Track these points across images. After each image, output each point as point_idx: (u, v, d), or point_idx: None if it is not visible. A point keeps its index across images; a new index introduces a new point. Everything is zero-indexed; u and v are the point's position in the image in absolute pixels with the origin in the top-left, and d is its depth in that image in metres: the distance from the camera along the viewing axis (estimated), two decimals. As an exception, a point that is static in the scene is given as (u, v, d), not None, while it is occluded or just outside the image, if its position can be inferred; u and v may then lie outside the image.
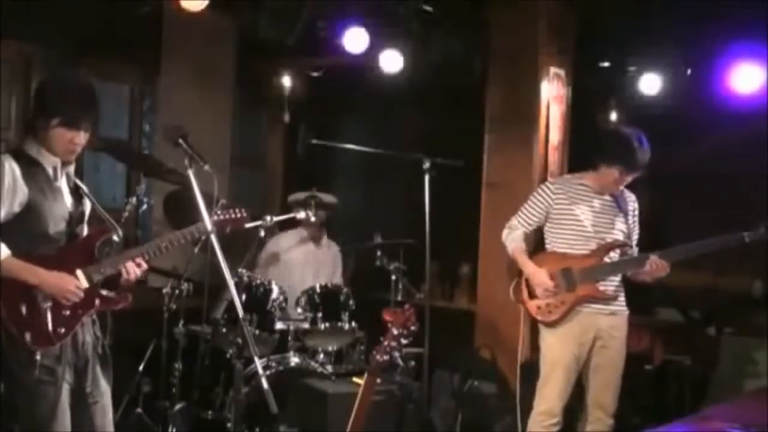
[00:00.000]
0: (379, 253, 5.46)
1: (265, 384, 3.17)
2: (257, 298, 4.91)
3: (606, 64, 6.15)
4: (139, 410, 4.98)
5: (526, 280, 4.37)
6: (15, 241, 3.11)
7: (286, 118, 6.79)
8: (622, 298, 4.36)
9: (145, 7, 5.23)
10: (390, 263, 5.46)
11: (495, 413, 5.30)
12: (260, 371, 3.24)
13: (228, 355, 4.77)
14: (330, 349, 5.13)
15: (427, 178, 4.77)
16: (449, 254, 6.38)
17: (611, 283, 4.30)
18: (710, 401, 5.44)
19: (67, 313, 3.19)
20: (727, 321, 5.98)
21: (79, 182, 3.41)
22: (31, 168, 3.18)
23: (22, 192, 3.13)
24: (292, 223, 5.61)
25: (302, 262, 5.69)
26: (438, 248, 4.84)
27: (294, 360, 4.87)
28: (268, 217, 4.99)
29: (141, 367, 5.11)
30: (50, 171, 3.23)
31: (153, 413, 4.98)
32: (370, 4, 5.57)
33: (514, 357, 4.64)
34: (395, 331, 3.57)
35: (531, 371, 4.52)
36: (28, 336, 3.10)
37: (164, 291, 4.97)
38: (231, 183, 6.57)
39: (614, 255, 4.30)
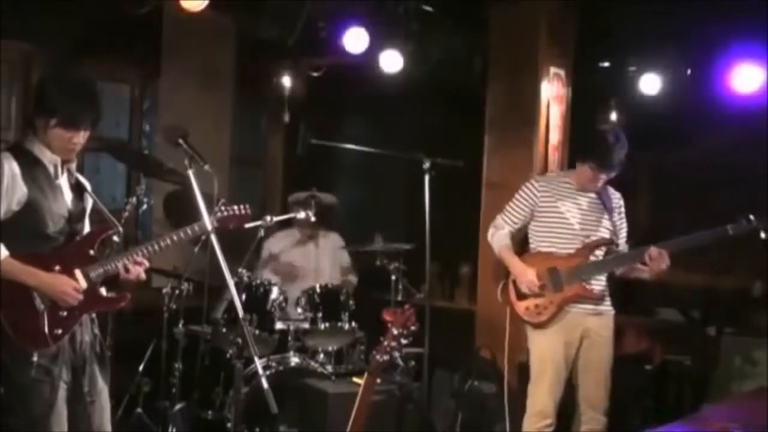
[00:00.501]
0: (379, 253, 5.46)
1: (265, 384, 3.17)
2: (257, 298, 4.91)
3: (606, 64, 6.15)
4: (139, 410, 4.98)
5: (514, 281, 4.36)
6: (15, 239, 3.10)
7: (286, 118, 6.78)
8: (607, 299, 4.34)
9: (145, 7, 5.22)
10: (390, 263, 5.46)
11: (495, 413, 5.30)
12: (260, 371, 3.25)
13: (228, 355, 4.77)
14: (330, 349, 5.13)
15: (427, 178, 4.77)
16: (449, 254, 6.38)
17: (598, 283, 4.28)
18: (710, 401, 5.44)
19: (65, 314, 3.18)
20: (727, 321, 5.99)
21: (80, 178, 3.40)
22: (31, 166, 3.18)
23: (21, 190, 3.12)
24: (290, 223, 5.61)
25: (302, 262, 5.70)
26: (438, 248, 4.84)
27: (294, 360, 4.88)
28: (268, 217, 5.00)
29: (141, 367, 5.11)
30: (51, 169, 3.23)
31: (153, 413, 4.98)
32: (370, 4, 5.57)
33: (514, 357, 4.64)
34: (395, 331, 3.57)
35: (525, 372, 4.51)
36: (24, 336, 3.10)
37: (164, 291, 4.98)
38: (231, 183, 6.57)
39: (599, 253, 4.28)
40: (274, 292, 4.98)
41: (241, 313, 3.30)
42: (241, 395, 3.73)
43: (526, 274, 4.26)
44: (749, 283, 6.11)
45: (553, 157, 5.65)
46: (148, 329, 5.09)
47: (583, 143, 4.31)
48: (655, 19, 5.40)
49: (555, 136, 5.68)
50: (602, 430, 4.27)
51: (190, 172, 3.33)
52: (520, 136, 5.58)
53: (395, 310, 3.67)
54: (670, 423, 3.39)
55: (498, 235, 4.45)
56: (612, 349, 4.33)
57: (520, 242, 4.56)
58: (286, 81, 6.74)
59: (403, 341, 3.62)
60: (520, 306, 4.32)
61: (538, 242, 4.37)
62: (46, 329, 3.13)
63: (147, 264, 3.36)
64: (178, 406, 4.88)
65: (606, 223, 4.30)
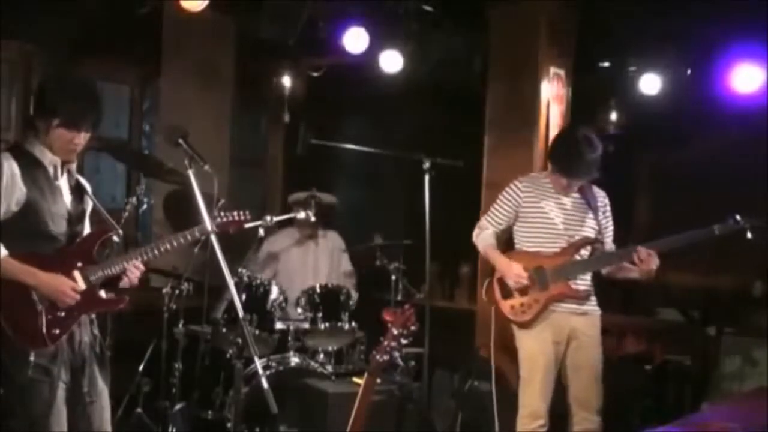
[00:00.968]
0: (379, 253, 5.46)
1: (265, 384, 3.17)
2: (257, 298, 4.91)
3: (606, 64, 6.15)
4: (139, 410, 4.98)
5: (499, 280, 4.35)
6: (15, 239, 3.11)
7: (286, 118, 6.78)
8: (593, 298, 4.32)
9: (145, 7, 5.22)
10: (390, 263, 5.46)
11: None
12: (260, 371, 3.24)
13: (228, 355, 4.77)
14: (330, 349, 5.13)
15: (427, 178, 4.77)
16: (449, 254, 6.37)
17: (583, 282, 4.27)
18: (710, 401, 5.45)
19: (63, 314, 3.18)
20: (727, 321, 5.98)
21: (81, 179, 3.40)
22: (30, 166, 3.18)
23: (20, 190, 3.12)
24: (290, 223, 5.61)
25: (302, 262, 5.69)
26: (438, 248, 4.84)
27: (294, 360, 4.88)
28: (268, 217, 4.99)
29: (141, 367, 5.11)
30: (50, 170, 3.23)
31: (153, 413, 4.98)
32: (370, 4, 5.57)
33: (514, 357, 4.64)
34: (395, 331, 3.58)
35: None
36: (22, 336, 3.10)
37: (164, 291, 4.97)
38: (231, 183, 6.57)
39: (585, 253, 4.27)
40: (274, 292, 4.98)
41: (241, 313, 3.30)
42: (241, 395, 3.73)
43: (512, 268, 4.25)
44: (749, 283, 6.11)
45: (553, 157, 5.65)
46: (148, 329, 5.08)
47: (553, 149, 4.28)
48: (655, 19, 5.40)
49: (555, 136, 5.68)
50: (596, 429, 4.25)
51: (190, 172, 3.33)
52: (520, 136, 5.58)
53: (395, 310, 3.67)
54: (670, 423, 3.39)
55: (483, 235, 4.45)
56: (600, 349, 4.30)
57: (505, 243, 4.55)
58: (286, 81, 6.75)
59: (403, 341, 3.63)
60: (505, 305, 4.31)
61: (522, 242, 4.36)
62: (45, 329, 3.13)
63: (142, 268, 3.36)
64: (178, 406, 4.88)
65: (591, 222, 4.28)
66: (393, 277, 5.45)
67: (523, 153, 5.54)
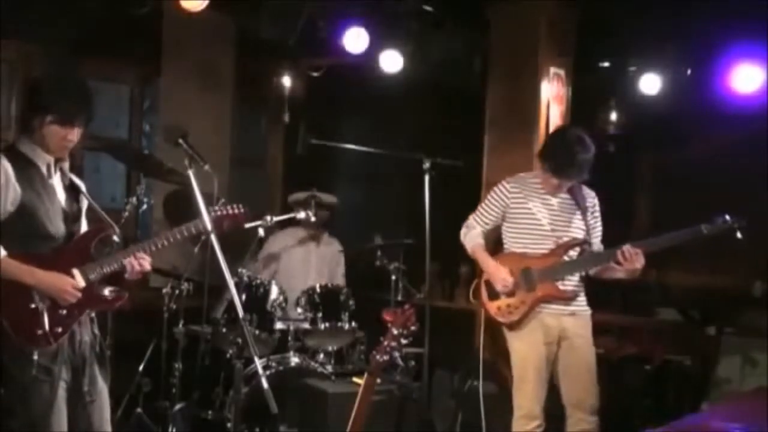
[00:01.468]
0: (379, 253, 5.46)
1: (265, 384, 3.17)
2: (257, 298, 4.92)
3: (606, 64, 6.15)
4: (139, 410, 4.98)
5: (486, 281, 4.34)
6: (13, 239, 3.11)
7: (286, 118, 6.78)
8: (582, 298, 4.30)
9: (145, 7, 5.22)
10: (390, 263, 5.46)
11: (495, 413, 5.29)
12: (260, 371, 3.24)
13: (228, 355, 4.77)
14: (330, 349, 5.13)
15: (427, 178, 4.77)
16: (449, 254, 6.36)
17: (570, 283, 4.25)
18: (710, 401, 5.45)
19: (64, 312, 3.19)
20: (727, 321, 5.98)
21: (74, 178, 3.40)
22: (24, 167, 3.18)
23: (15, 191, 3.12)
24: (290, 223, 5.61)
25: (302, 262, 5.69)
26: (438, 248, 4.84)
27: (294, 360, 4.88)
28: (268, 217, 5.00)
29: (141, 367, 5.11)
30: (44, 169, 3.23)
31: (153, 413, 4.98)
32: (370, 4, 5.57)
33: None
34: (395, 331, 3.58)
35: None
36: (24, 335, 3.10)
37: (164, 291, 4.97)
38: (231, 183, 6.57)
39: (573, 253, 4.26)
40: (274, 292, 4.98)
41: (241, 313, 3.30)
42: (241, 395, 3.74)
43: (499, 272, 4.24)
44: (749, 283, 6.11)
45: (553, 156, 5.65)
46: (148, 329, 5.09)
47: (545, 148, 4.28)
48: (655, 19, 5.40)
49: (555, 136, 5.68)
50: (593, 430, 4.23)
51: (190, 172, 3.33)
52: (520, 136, 5.58)
53: (395, 310, 3.67)
54: (670, 423, 3.39)
55: (470, 234, 4.43)
56: (593, 349, 4.29)
57: (494, 243, 4.55)
58: (286, 81, 6.74)
59: (403, 341, 3.63)
60: (492, 306, 4.31)
61: (510, 243, 4.35)
62: (46, 328, 3.13)
63: (149, 258, 3.34)
64: (178, 406, 4.88)
65: (579, 222, 4.26)
66: (393, 277, 5.45)
67: (523, 153, 5.54)
